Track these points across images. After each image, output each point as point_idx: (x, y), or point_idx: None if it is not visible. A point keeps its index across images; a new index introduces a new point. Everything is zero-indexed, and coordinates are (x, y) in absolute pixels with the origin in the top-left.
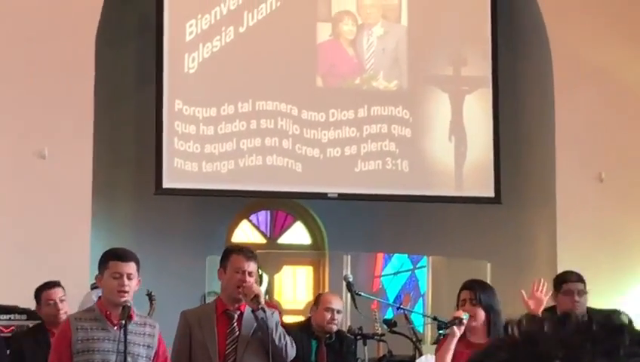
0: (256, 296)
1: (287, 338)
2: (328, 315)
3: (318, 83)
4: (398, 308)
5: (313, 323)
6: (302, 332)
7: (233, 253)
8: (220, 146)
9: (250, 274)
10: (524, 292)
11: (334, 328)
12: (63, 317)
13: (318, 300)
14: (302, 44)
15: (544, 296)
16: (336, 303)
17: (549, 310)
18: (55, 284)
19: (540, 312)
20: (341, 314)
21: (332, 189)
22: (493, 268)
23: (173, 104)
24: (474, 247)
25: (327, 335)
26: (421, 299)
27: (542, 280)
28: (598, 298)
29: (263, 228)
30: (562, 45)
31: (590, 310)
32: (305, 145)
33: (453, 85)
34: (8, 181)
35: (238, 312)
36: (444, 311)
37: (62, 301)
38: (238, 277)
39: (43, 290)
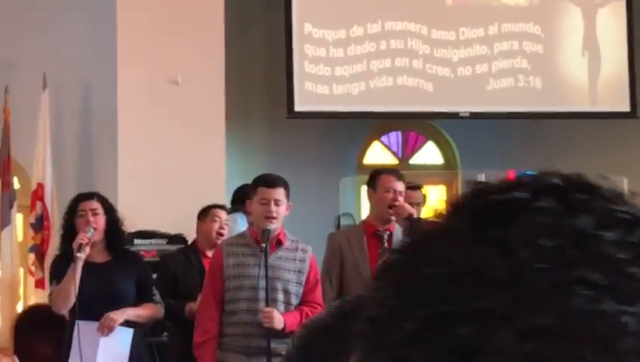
0: (410, 215)
1: None
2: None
3: (447, 2)
4: None
5: None
6: None
7: (383, 173)
8: (350, 68)
9: (400, 193)
10: None
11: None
12: (221, 239)
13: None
14: None
15: None
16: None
17: None
18: (222, 207)
19: None
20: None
21: (464, 108)
22: (630, 183)
23: (302, 27)
24: (609, 163)
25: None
26: None
27: None
28: None
29: (394, 148)
30: None
31: None
32: (435, 65)
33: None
34: (143, 108)
35: (388, 233)
36: None
37: (226, 224)
38: (390, 197)
39: (212, 209)
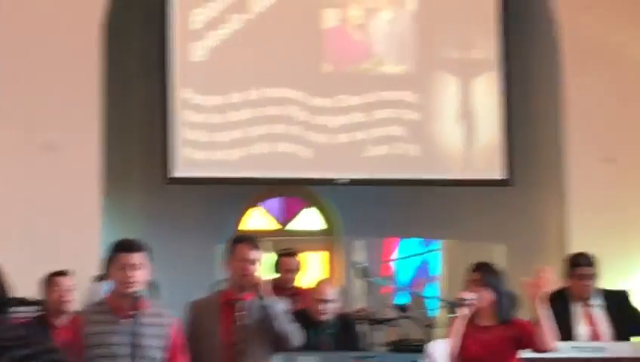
0: (257, 285)
1: (294, 325)
2: (318, 306)
3: (325, 69)
4: (411, 293)
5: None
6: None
7: (238, 242)
8: (229, 134)
9: (253, 262)
10: (525, 279)
11: (326, 317)
12: (68, 307)
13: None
14: (308, 31)
15: (545, 283)
16: (326, 293)
17: (561, 292)
18: (64, 273)
19: (541, 298)
20: (334, 303)
21: (342, 175)
22: (508, 251)
23: (180, 93)
24: (486, 230)
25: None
26: (434, 282)
27: (546, 267)
28: (608, 278)
29: (274, 214)
30: (571, 25)
31: (601, 290)
32: (314, 131)
33: (461, 68)
34: (18, 173)
35: (244, 301)
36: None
37: (68, 291)
38: (241, 266)
39: (53, 276)
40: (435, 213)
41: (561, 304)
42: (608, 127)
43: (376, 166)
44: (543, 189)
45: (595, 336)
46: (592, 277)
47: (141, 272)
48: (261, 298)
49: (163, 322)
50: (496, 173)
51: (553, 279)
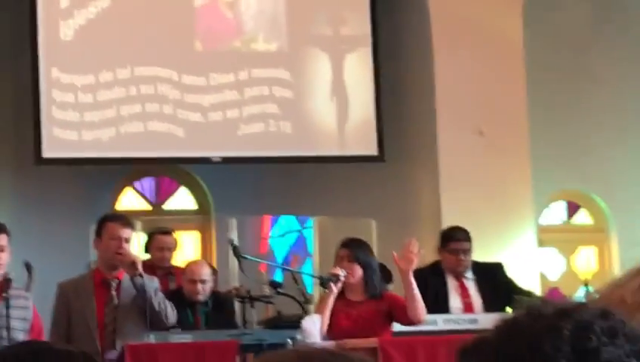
0: (134, 263)
1: (168, 303)
2: (192, 287)
3: (197, 47)
4: (283, 269)
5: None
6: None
7: (108, 220)
8: (100, 114)
9: (126, 240)
10: (394, 252)
11: (200, 298)
12: None
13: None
14: (179, 8)
15: (415, 256)
16: (199, 273)
17: (434, 265)
18: None
19: (410, 271)
20: (208, 283)
21: (215, 153)
22: (379, 225)
23: (50, 73)
24: (359, 206)
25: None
26: (309, 259)
27: (414, 241)
28: (481, 250)
29: (147, 194)
30: (440, 1)
31: (474, 263)
32: (186, 110)
33: (333, 45)
34: None
35: (117, 280)
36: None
37: None
38: (114, 244)
39: None
40: (308, 190)
41: (434, 277)
42: (478, 100)
43: (250, 144)
44: (416, 164)
45: (468, 309)
46: (466, 251)
47: (4, 254)
48: (134, 276)
49: (25, 304)
50: (370, 148)
51: (422, 252)
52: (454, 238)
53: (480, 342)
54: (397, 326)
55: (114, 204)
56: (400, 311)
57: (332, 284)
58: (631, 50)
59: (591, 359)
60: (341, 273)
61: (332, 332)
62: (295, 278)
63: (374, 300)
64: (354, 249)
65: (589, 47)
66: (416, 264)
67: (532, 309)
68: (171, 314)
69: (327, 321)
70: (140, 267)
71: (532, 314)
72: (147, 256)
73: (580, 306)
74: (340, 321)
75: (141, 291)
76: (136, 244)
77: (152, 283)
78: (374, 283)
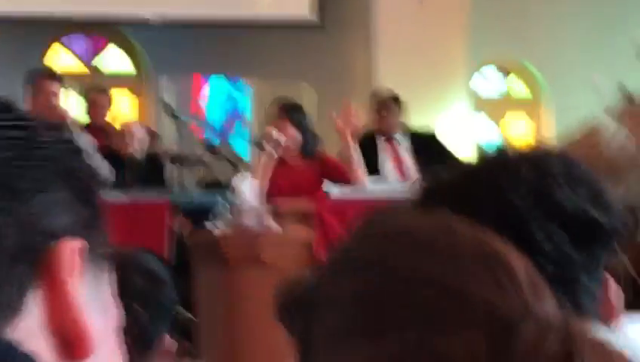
0: (62, 118)
1: (100, 160)
2: (126, 144)
3: None
4: (219, 132)
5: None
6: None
7: (37, 77)
8: None
9: (54, 94)
10: (335, 114)
11: (134, 156)
12: None
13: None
14: None
15: (355, 119)
16: (134, 131)
17: (368, 131)
18: None
19: (351, 133)
20: (142, 142)
21: (151, 12)
22: (314, 89)
23: None
24: (295, 70)
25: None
26: (244, 122)
27: (352, 106)
28: (416, 116)
29: (79, 53)
30: None
31: (410, 133)
32: None
33: None
34: None
35: None
36: None
37: None
38: (45, 99)
39: None
40: (244, 52)
41: (368, 142)
42: None
43: (186, 4)
44: (352, 30)
45: (399, 171)
46: (389, 108)
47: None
48: (66, 131)
49: None
50: (308, 13)
51: (362, 116)
52: (378, 96)
53: (438, 182)
54: (330, 188)
55: (44, 63)
56: (337, 172)
57: (272, 149)
58: None
59: (546, 199)
60: (281, 138)
61: (270, 193)
62: (229, 142)
63: (310, 161)
64: (288, 110)
65: None
66: (356, 127)
67: (492, 154)
68: (104, 171)
69: (267, 185)
70: (69, 123)
71: (491, 156)
72: (85, 114)
73: (539, 149)
74: (277, 182)
75: None
76: (75, 106)
77: (85, 138)
78: (310, 145)
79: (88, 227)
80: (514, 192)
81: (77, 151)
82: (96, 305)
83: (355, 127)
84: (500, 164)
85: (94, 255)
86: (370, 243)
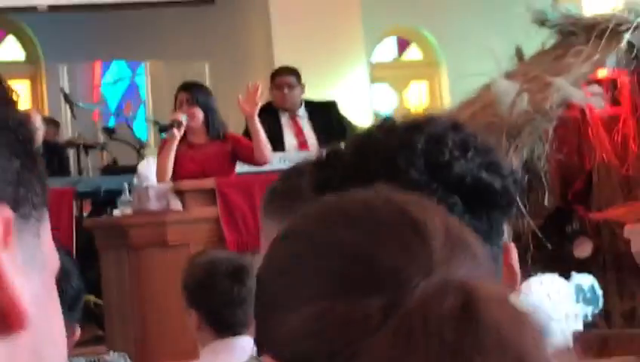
0: None
1: None
2: None
3: None
4: (118, 116)
5: None
6: None
7: None
8: None
9: None
10: (240, 96)
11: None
12: None
13: None
14: None
15: (258, 99)
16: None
17: (266, 105)
18: None
19: (255, 113)
20: (39, 131)
21: (42, 1)
22: (212, 68)
23: None
24: (191, 49)
25: None
26: (142, 105)
27: (257, 84)
28: (314, 89)
29: None
30: None
31: (308, 102)
32: None
33: None
34: None
35: None
36: (166, 115)
37: None
38: None
39: None
40: (139, 35)
41: (268, 117)
42: None
43: None
44: (247, 4)
45: (303, 146)
46: (290, 85)
47: None
48: None
49: None
50: None
51: (263, 94)
52: (278, 73)
53: (333, 155)
54: (239, 166)
55: None
56: (245, 151)
57: (175, 129)
58: None
59: (443, 172)
60: (182, 117)
61: (178, 176)
62: (129, 125)
63: (218, 141)
64: (193, 91)
65: None
66: (259, 106)
67: (385, 123)
68: None
69: (171, 166)
70: None
71: (385, 128)
72: None
73: (432, 119)
74: (185, 165)
75: None
76: None
77: None
78: (216, 125)
79: (19, 182)
80: (411, 167)
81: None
82: (35, 264)
83: (258, 107)
84: (395, 139)
85: (29, 208)
86: (304, 220)
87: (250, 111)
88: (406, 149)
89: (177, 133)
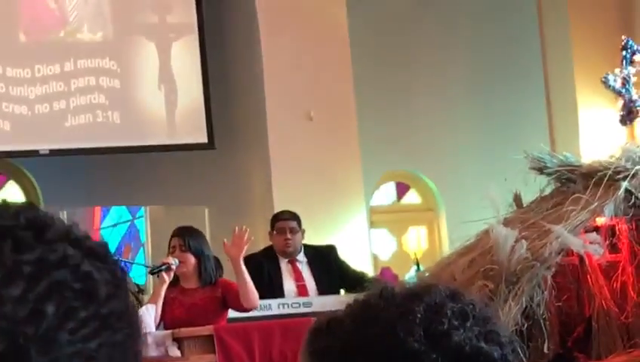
0: None
1: None
2: None
3: (21, 38)
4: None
5: None
6: None
7: None
8: None
9: None
10: (225, 240)
11: None
12: None
13: None
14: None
15: (244, 243)
16: None
17: (266, 250)
18: None
19: (240, 258)
20: None
21: (43, 146)
22: (211, 213)
23: None
24: (191, 194)
25: None
26: (142, 249)
27: (244, 227)
28: (314, 234)
29: None
30: None
31: (307, 247)
32: (12, 103)
33: (159, 33)
34: None
35: None
36: None
37: None
38: None
39: None
40: (139, 180)
41: (268, 262)
42: (306, 85)
43: (79, 135)
44: (247, 150)
45: (302, 292)
46: (292, 230)
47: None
48: None
49: None
50: (200, 136)
51: (253, 239)
52: (280, 218)
53: (333, 323)
54: (232, 313)
55: None
56: (233, 297)
57: (163, 273)
58: (449, 36)
59: (443, 342)
60: (172, 261)
61: (166, 321)
62: (128, 269)
63: (209, 287)
64: (186, 237)
65: (411, 31)
66: (245, 251)
67: (384, 291)
68: None
69: (159, 310)
70: None
71: (385, 296)
72: None
73: (430, 288)
74: (173, 310)
75: None
76: None
77: None
78: (208, 271)
79: None
80: (410, 336)
81: None
82: None
83: (244, 252)
84: (394, 307)
85: None
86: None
87: (235, 255)
88: (405, 318)
89: (167, 277)
